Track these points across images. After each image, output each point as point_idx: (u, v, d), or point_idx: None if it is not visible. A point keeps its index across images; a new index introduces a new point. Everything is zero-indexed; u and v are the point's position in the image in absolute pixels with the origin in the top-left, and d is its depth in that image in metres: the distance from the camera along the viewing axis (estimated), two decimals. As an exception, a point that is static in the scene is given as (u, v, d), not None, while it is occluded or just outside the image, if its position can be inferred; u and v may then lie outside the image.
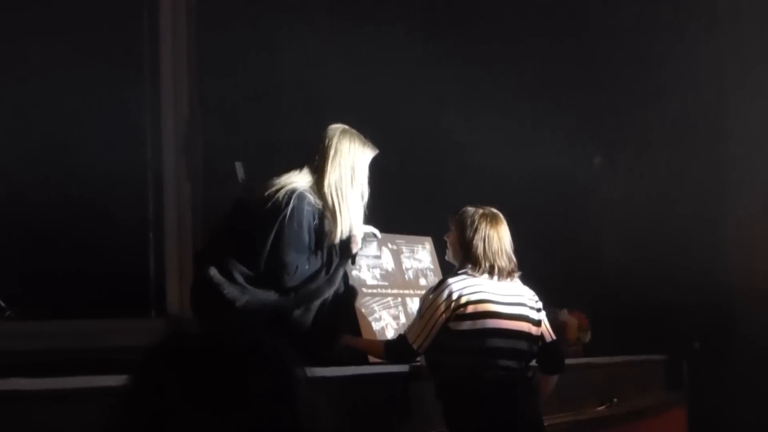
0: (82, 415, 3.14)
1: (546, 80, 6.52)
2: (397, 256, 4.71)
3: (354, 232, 4.10)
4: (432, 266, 4.84)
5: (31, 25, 5.29)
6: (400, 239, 4.79)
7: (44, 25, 5.30)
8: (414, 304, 4.47)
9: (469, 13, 6.52)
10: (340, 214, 4.01)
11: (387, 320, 4.48)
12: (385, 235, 4.55)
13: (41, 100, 5.27)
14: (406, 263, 4.73)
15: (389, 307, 4.52)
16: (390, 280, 4.61)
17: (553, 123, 6.40)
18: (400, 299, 4.62)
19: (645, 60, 6.68)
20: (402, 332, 4.13)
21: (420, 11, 6.52)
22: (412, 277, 4.78)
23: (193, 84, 5.80)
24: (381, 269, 4.62)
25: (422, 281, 4.78)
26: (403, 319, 4.54)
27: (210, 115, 5.78)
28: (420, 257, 4.82)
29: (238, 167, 4.93)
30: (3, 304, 4.88)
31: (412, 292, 4.69)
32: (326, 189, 4.01)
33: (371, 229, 4.38)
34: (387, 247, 4.70)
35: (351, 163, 4.06)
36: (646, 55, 6.67)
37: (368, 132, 4.19)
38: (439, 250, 4.70)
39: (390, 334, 4.44)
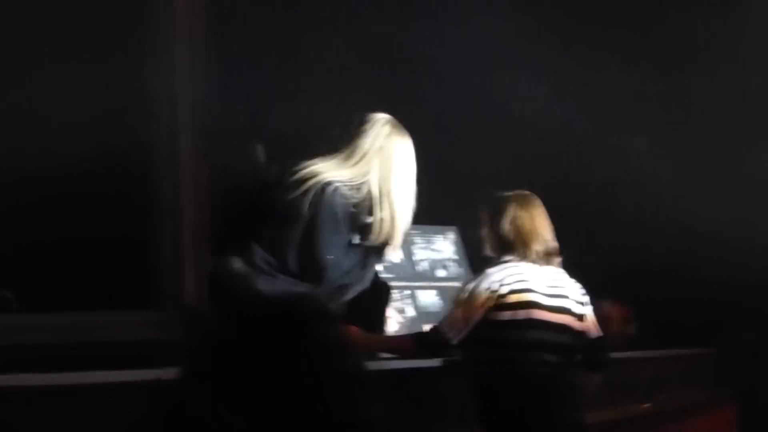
0: (95, 412, 3.11)
1: (590, 59, 6.45)
2: (407, 247, 4.64)
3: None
4: (455, 257, 4.78)
5: (43, 4, 5.29)
6: (414, 229, 4.72)
7: (57, 4, 5.30)
8: (426, 297, 4.41)
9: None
10: (394, 221, 3.86)
11: (391, 313, 4.42)
12: None
13: (53, 83, 5.26)
14: (419, 254, 4.67)
15: (395, 300, 4.47)
16: (396, 272, 4.54)
17: (597, 103, 6.33)
18: (408, 292, 4.56)
19: (700, 42, 6.61)
20: (435, 324, 4.07)
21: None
22: (427, 267, 4.72)
23: (211, 63, 5.77)
24: (386, 261, 4.52)
25: (441, 272, 4.73)
26: (411, 313, 4.48)
27: (228, 95, 5.74)
28: (439, 247, 4.76)
29: (258, 149, 4.88)
30: (10, 296, 4.87)
31: (425, 284, 4.63)
32: (375, 186, 3.85)
33: None
34: None
35: (404, 162, 3.86)
36: (705, 38, 6.60)
37: (397, 113, 4.10)
38: (465, 240, 4.64)
39: (393, 328, 4.38)
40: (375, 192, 3.82)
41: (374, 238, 3.89)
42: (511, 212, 3.96)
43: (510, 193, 4.02)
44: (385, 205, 3.84)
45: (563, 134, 6.26)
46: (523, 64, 6.16)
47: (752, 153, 6.70)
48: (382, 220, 3.84)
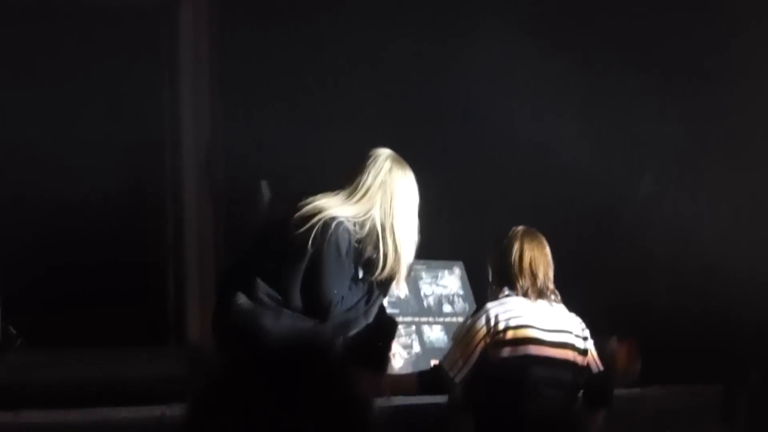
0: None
1: (590, 92, 6.45)
2: (414, 282, 4.63)
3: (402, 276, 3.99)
4: (461, 292, 4.77)
5: (48, 41, 5.31)
6: (420, 264, 4.72)
7: (62, 41, 5.33)
8: (432, 333, 4.40)
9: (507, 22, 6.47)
10: (398, 256, 3.86)
11: (396, 349, 4.41)
12: None
13: (57, 119, 5.28)
14: (425, 289, 4.66)
15: (400, 336, 4.45)
16: (402, 308, 4.53)
17: (599, 140, 6.33)
18: (414, 327, 4.55)
19: (702, 74, 6.61)
20: (437, 362, 4.05)
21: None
22: (432, 303, 4.71)
23: (215, 100, 5.78)
24: (391, 296, 4.51)
25: (447, 308, 4.71)
26: (416, 348, 4.47)
27: (233, 132, 5.75)
28: (445, 282, 4.75)
29: (264, 186, 4.89)
30: (14, 331, 4.85)
31: (432, 319, 4.62)
32: (378, 222, 3.86)
33: None
34: None
35: (406, 196, 3.88)
36: (705, 71, 6.61)
37: (402, 149, 4.11)
38: (472, 275, 4.63)
39: (398, 364, 4.37)
40: (378, 227, 3.83)
41: (378, 274, 3.89)
42: (517, 247, 3.96)
43: (518, 229, 4.02)
44: (389, 240, 3.85)
45: (570, 170, 6.26)
46: (532, 98, 6.17)
47: (760, 189, 6.70)
48: (386, 255, 3.85)
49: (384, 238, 3.84)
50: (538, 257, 3.97)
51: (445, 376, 3.90)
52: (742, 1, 6.54)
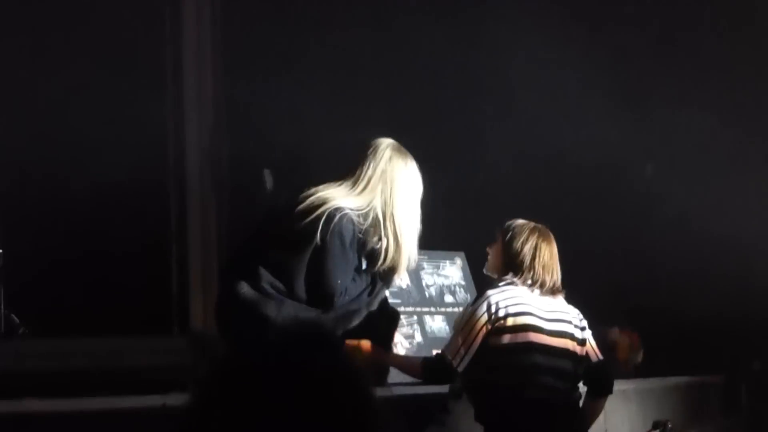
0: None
1: (592, 78, 6.44)
2: (416, 272, 4.63)
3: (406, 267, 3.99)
4: (463, 282, 4.77)
5: (52, 31, 5.30)
6: (423, 254, 4.71)
7: (66, 31, 5.31)
8: (434, 323, 4.40)
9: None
10: (398, 246, 3.87)
11: (398, 339, 4.41)
12: None
13: (60, 109, 5.27)
14: (428, 279, 4.66)
15: (401, 326, 4.45)
16: (404, 298, 4.53)
17: (604, 128, 6.32)
18: (416, 317, 4.55)
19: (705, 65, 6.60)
20: (440, 350, 4.06)
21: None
22: (434, 294, 4.71)
23: (218, 89, 5.77)
24: (393, 286, 4.50)
25: (449, 298, 4.71)
26: (418, 338, 4.46)
27: (236, 121, 5.74)
28: (447, 273, 4.74)
29: (267, 175, 4.88)
30: (17, 320, 4.86)
31: (433, 309, 4.62)
32: (379, 212, 3.86)
33: None
34: None
35: (406, 185, 3.89)
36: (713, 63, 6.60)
37: (405, 139, 4.10)
38: (473, 266, 4.62)
39: (400, 353, 4.37)
40: (380, 217, 3.83)
41: (381, 264, 3.89)
42: (532, 240, 3.97)
43: (531, 223, 4.03)
44: (389, 230, 3.85)
45: (572, 161, 6.24)
46: (534, 90, 6.15)
47: (759, 181, 6.68)
48: (387, 244, 3.85)
49: (385, 227, 3.85)
50: (551, 258, 3.98)
51: (448, 364, 3.91)
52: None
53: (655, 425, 5.27)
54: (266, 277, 3.86)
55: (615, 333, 5.56)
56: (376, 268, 3.91)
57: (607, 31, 6.44)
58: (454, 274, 4.77)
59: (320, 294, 3.83)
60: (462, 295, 4.67)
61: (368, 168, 3.87)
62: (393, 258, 3.89)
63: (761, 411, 6.49)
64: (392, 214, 3.86)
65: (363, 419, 1.41)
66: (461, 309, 4.18)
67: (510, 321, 3.87)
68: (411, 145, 4.12)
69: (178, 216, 5.63)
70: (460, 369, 3.91)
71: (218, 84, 5.76)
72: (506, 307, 3.88)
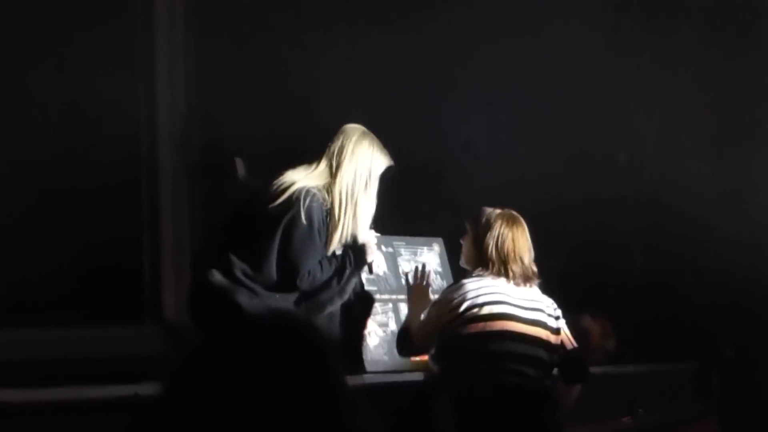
0: (73, 428, 3.11)
1: (566, 74, 6.46)
2: (392, 258, 4.64)
3: (365, 240, 4.06)
4: (440, 269, 4.78)
5: (21, 17, 5.25)
6: (399, 241, 4.73)
7: (35, 15, 5.27)
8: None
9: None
10: (344, 216, 3.98)
11: (371, 327, 4.43)
12: (382, 237, 4.46)
13: (30, 94, 5.23)
14: (405, 266, 4.67)
15: (376, 314, 4.47)
16: (379, 285, 4.54)
17: (575, 118, 6.35)
18: (390, 305, 4.56)
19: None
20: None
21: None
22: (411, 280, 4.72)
23: (190, 76, 5.75)
24: (369, 273, 4.52)
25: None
26: (392, 326, 4.48)
27: (208, 108, 5.73)
28: (424, 259, 4.76)
29: (239, 163, 4.89)
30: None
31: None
32: (337, 190, 3.97)
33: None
34: (380, 249, 4.62)
35: (368, 168, 4.04)
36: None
37: (377, 129, 4.16)
38: (451, 252, 4.65)
39: (374, 343, 4.40)
40: (343, 193, 3.93)
41: (339, 239, 3.97)
42: (496, 230, 3.99)
43: (498, 211, 4.05)
44: (349, 205, 3.95)
45: (548, 147, 6.27)
46: (509, 74, 6.17)
47: (745, 164, 6.72)
48: (345, 219, 3.95)
49: (346, 205, 3.95)
50: (522, 243, 4.01)
51: (408, 339, 3.98)
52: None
53: (628, 412, 5.33)
54: (238, 265, 3.90)
55: (586, 320, 5.61)
56: (332, 248, 4.00)
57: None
58: (431, 261, 4.79)
59: (288, 274, 3.89)
60: (439, 282, 4.69)
61: (335, 149, 4.04)
62: (352, 233, 4.00)
63: (732, 397, 6.56)
64: (352, 191, 4.01)
65: (336, 406, 1.43)
66: (436, 296, 4.22)
67: (486, 309, 3.91)
68: (388, 130, 4.20)
69: (149, 204, 5.61)
70: (423, 348, 3.98)
71: (191, 70, 5.74)
72: (482, 295, 3.92)
